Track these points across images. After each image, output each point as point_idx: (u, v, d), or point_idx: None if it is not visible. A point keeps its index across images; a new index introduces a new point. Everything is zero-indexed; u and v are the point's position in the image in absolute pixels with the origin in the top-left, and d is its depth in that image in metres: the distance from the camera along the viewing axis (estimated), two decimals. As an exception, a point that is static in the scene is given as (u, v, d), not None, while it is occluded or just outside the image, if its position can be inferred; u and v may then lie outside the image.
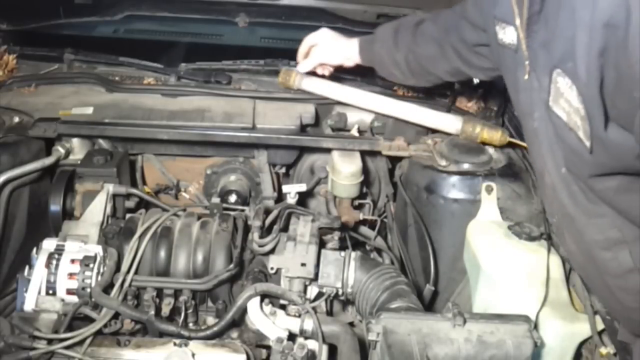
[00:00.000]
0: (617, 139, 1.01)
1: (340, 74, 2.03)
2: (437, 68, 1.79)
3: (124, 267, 1.51)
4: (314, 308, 1.42)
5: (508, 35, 1.31)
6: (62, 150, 1.84)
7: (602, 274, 1.27)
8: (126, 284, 1.49)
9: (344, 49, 1.92)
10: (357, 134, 2.03)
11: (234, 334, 1.49)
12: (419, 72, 1.83)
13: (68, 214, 1.72)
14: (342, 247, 1.61)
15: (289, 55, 2.11)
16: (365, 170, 1.89)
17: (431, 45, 1.75)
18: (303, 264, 1.47)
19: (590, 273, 1.35)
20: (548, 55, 1.12)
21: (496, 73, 1.59)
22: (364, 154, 1.91)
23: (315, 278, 1.48)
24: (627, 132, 0.99)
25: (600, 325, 1.42)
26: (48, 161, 1.78)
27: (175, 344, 1.37)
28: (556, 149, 1.21)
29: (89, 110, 1.88)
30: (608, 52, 0.93)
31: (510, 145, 1.80)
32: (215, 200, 1.74)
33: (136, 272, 1.52)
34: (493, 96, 2.04)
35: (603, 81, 0.96)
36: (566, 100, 1.07)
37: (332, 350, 1.44)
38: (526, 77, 1.23)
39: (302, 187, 1.84)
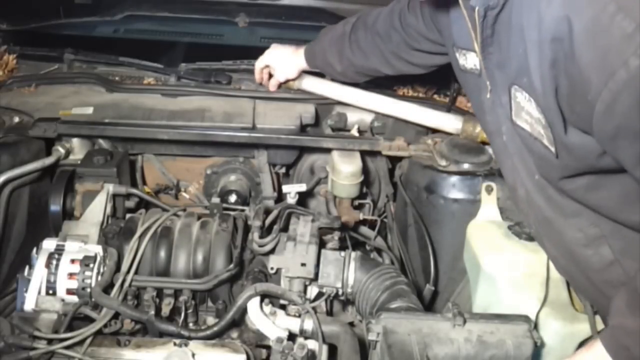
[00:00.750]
0: (578, 141, 1.07)
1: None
2: (379, 72, 1.86)
3: (124, 267, 1.50)
4: (314, 308, 1.42)
5: (470, 60, 1.36)
6: (62, 150, 1.84)
7: (586, 272, 1.30)
8: (126, 284, 1.49)
9: (295, 62, 1.95)
10: (357, 134, 2.03)
11: (234, 334, 1.49)
12: (362, 76, 1.92)
13: (68, 214, 1.72)
14: (342, 247, 1.61)
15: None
16: (365, 170, 1.89)
17: (370, 55, 1.82)
18: (303, 264, 1.47)
19: (574, 274, 1.37)
20: (504, 74, 1.19)
21: (438, 63, 1.73)
22: (364, 154, 1.91)
23: (315, 278, 1.48)
24: (587, 134, 1.04)
25: (600, 325, 1.42)
26: (48, 161, 1.79)
27: (175, 344, 1.37)
28: (527, 158, 1.27)
29: (89, 110, 1.88)
30: (558, 63, 0.99)
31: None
32: (215, 200, 1.74)
33: (136, 272, 1.52)
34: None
35: (558, 90, 1.03)
36: (527, 112, 1.15)
37: (332, 350, 1.44)
38: (488, 96, 1.29)
39: (302, 187, 1.84)
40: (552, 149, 1.12)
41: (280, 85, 2.01)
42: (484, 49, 1.22)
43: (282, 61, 1.97)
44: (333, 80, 1.98)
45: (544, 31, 0.99)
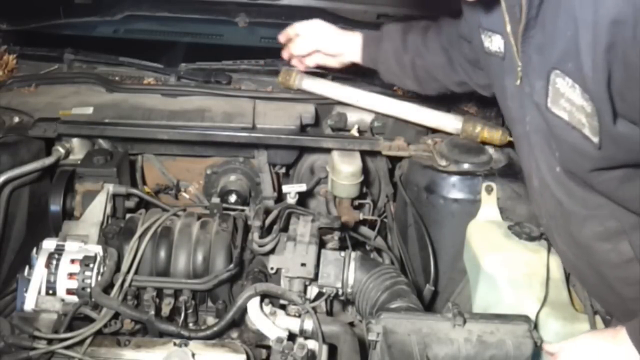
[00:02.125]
0: (627, 132, 1.03)
1: (339, 74, 2.03)
2: (445, 78, 1.77)
3: (124, 267, 1.50)
4: (314, 308, 1.42)
5: (495, 43, 1.33)
6: (62, 150, 1.84)
7: (600, 267, 1.28)
8: (126, 284, 1.49)
9: (344, 40, 1.83)
10: (357, 134, 2.03)
11: (234, 334, 1.49)
12: (425, 78, 1.79)
13: (68, 214, 1.72)
14: (342, 247, 1.61)
15: (289, 55, 2.11)
16: (365, 170, 1.89)
17: (440, 54, 1.73)
18: (303, 264, 1.47)
19: (584, 270, 1.36)
20: (543, 58, 1.13)
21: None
22: (364, 154, 1.91)
23: (315, 278, 1.48)
24: (635, 125, 1.01)
25: (600, 325, 1.42)
26: (48, 161, 1.78)
27: (175, 344, 1.37)
28: (550, 148, 1.23)
29: (89, 110, 1.88)
30: (615, 47, 0.94)
31: (511, 144, 1.80)
32: (215, 200, 1.74)
33: (136, 272, 1.52)
34: (493, 96, 2.04)
35: (611, 76, 0.98)
36: (567, 99, 1.09)
37: (332, 350, 1.44)
38: (517, 82, 1.24)
39: (302, 187, 1.84)
40: (595, 140, 1.07)
41: (308, 54, 1.86)
42: (526, 31, 1.15)
43: (329, 31, 1.82)
44: (333, 80, 1.98)
45: (603, 12, 0.93)
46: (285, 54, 1.93)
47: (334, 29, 1.84)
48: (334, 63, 1.90)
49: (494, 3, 1.23)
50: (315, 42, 1.85)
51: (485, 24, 1.35)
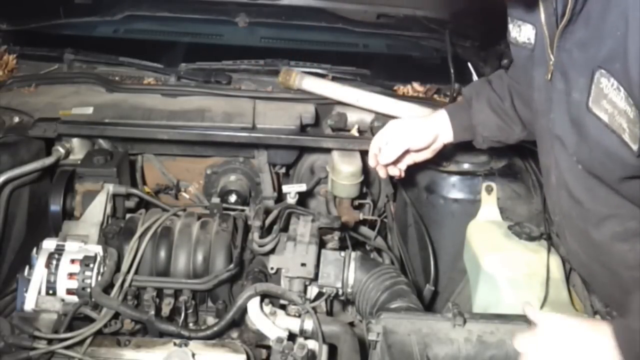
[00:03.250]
0: None
1: (340, 74, 2.03)
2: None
3: (124, 267, 1.50)
4: (314, 308, 1.42)
5: (524, 33, 1.28)
6: (62, 150, 1.84)
7: (615, 267, 1.26)
8: (126, 284, 1.49)
9: (430, 127, 1.55)
10: (357, 134, 2.03)
11: (234, 334, 1.49)
12: (529, 118, 1.51)
13: (68, 214, 1.72)
14: (342, 247, 1.61)
15: (289, 55, 2.11)
16: (365, 170, 1.89)
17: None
18: (303, 264, 1.47)
19: (596, 270, 1.33)
20: (587, 54, 1.08)
21: None
22: (364, 154, 1.91)
23: (315, 278, 1.48)
24: None
25: (600, 325, 1.42)
26: (48, 161, 1.79)
27: (175, 344, 1.37)
28: (577, 148, 1.18)
29: (89, 110, 1.88)
30: None
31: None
32: (215, 200, 1.74)
33: (136, 272, 1.52)
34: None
35: None
36: (610, 101, 1.04)
37: (332, 350, 1.44)
38: (548, 77, 1.20)
39: (302, 187, 1.84)
40: (634, 147, 1.02)
41: (399, 159, 1.57)
42: (567, 25, 1.10)
43: (409, 126, 1.55)
44: (333, 81, 1.97)
45: None
46: (375, 165, 1.63)
47: (415, 121, 1.58)
48: (428, 154, 1.60)
49: None
50: (402, 143, 1.54)
51: (515, 13, 1.30)
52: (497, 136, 1.56)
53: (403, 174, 1.61)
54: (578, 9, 1.08)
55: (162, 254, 1.55)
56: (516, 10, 1.31)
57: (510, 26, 1.34)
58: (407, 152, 1.56)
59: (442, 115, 1.56)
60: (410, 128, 1.55)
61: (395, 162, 1.57)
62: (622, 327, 1.01)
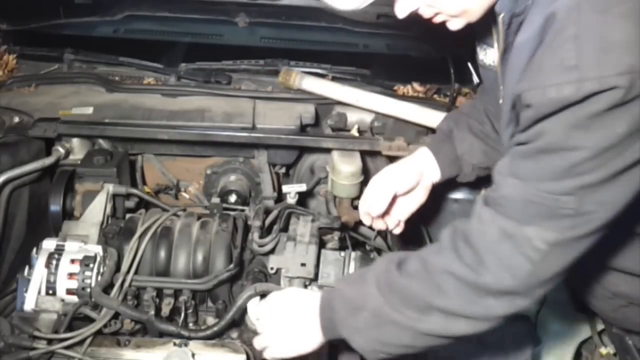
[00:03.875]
0: None
1: (340, 74, 2.02)
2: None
3: (124, 267, 1.50)
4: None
5: (489, 56, 1.32)
6: (62, 150, 1.84)
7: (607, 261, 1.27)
8: (126, 284, 1.49)
9: (412, 166, 1.50)
10: (357, 134, 2.03)
11: (234, 334, 1.49)
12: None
13: (68, 214, 1.72)
14: (342, 247, 1.61)
15: (289, 55, 2.11)
16: (365, 170, 1.89)
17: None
18: (303, 264, 1.47)
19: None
20: (513, 83, 1.11)
21: None
22: (364, 154, 1.91)
23: (315, 278, 1.48)
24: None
25: (600, 326, 1.42)
26: (48, 161, 1.79)
27: (175, 344, 1.37)
28: None
29: (89, 110, 1.88)
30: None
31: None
32: (215, 200, 1.75)
33: (136, 272, 1.52)
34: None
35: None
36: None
37: (332, 350, 1.44)
38: (500, 101, 1.25)
39: (302, 187, 1.84)
40: None
41: (388, 204, 1.48)
42: (504, 55, 1.17)
43: (390, 173, 1.49)
44: (333, 81, 1.97)
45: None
46: (370, 222, 1.56)
47: (395, 166, 1.53)
48: (420, 197, 1.54)
49: (490, 20, 1.22)
50: (387, 189, 1.48)
51: (479, 37, 1.35)
52: (485, 162, 1.52)
53: (403, 225, 1.55)
54: (510, 40, 1.12)
55: (162, 254, 1.55)
56: (479, 34, 1.34)
57: (478, 48, 1.37)
58: (396, 199, 1.49)
59: (423, 152, 1.52)
60: (391, 173, 1.49)
61: (388, 212, 1.51)
62: (325, 293, 1.23)
